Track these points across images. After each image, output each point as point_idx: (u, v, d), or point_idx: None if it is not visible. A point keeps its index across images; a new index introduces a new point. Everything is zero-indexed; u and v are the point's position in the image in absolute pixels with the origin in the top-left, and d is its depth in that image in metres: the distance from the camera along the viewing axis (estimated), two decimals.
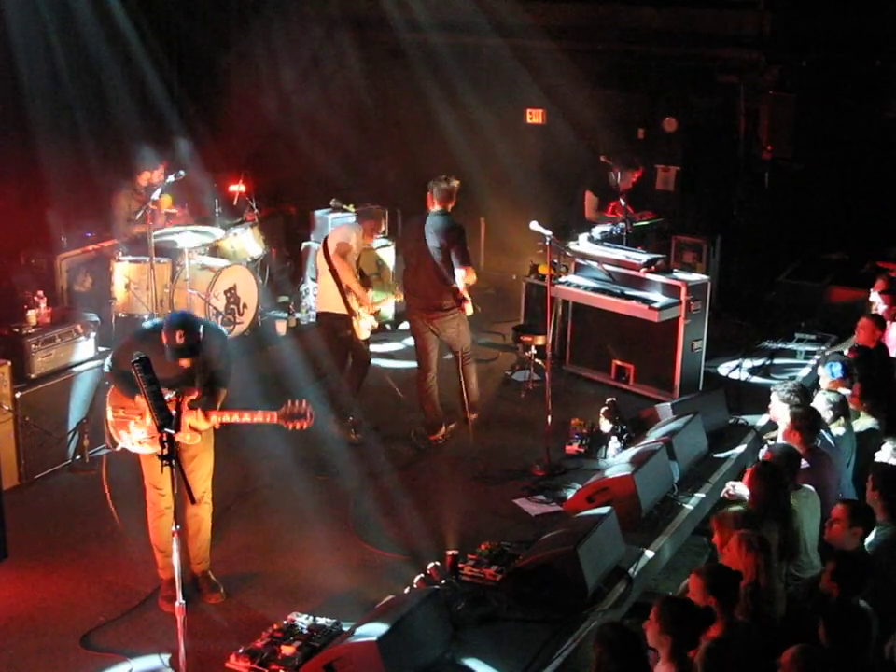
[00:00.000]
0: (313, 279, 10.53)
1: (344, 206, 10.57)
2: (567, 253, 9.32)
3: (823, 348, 9.67)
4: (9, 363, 7.38)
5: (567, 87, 11.54)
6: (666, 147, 11.77)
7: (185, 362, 5.77)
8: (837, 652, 4.74)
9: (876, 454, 6.95)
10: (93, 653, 5.74)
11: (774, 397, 7.26)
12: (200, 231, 9.78)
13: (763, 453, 6.82)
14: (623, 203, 9.89)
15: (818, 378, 7.95)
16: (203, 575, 6.29)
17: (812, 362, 9.49)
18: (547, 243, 7.97)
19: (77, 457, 7.79)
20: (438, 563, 6.08)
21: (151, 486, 6.12)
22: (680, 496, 7.14)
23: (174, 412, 5.23)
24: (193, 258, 9.35)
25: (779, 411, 7.05)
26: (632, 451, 7.27)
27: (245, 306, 9.54)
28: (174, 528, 4.93)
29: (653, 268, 8.99)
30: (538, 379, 9.08)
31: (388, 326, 10.42)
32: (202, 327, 5.84)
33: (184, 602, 4.92)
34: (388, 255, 10.73)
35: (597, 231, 9.70)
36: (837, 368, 7.57)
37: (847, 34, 10.74)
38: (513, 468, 7.79)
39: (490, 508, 7.32)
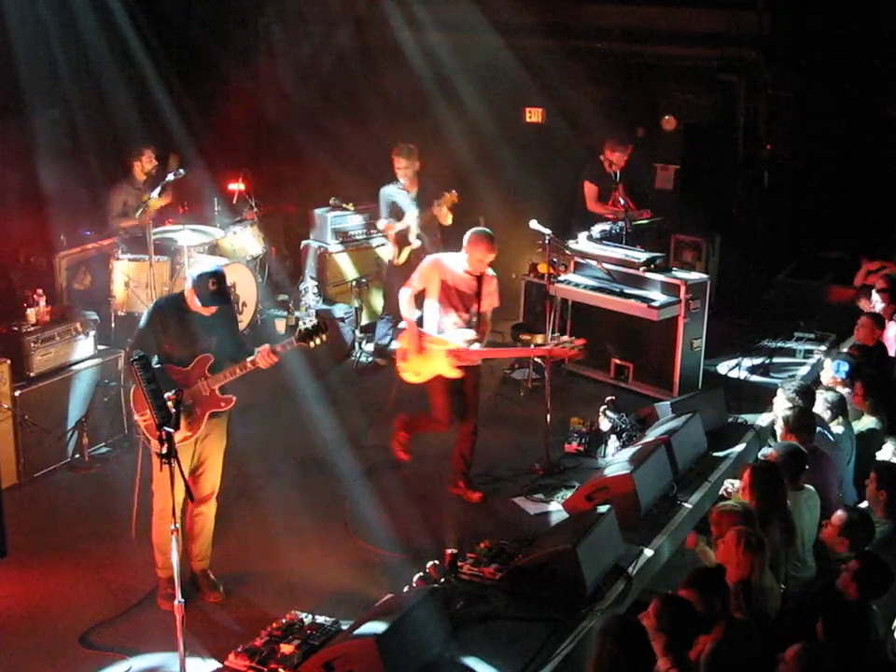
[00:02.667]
0: (312, 277, 10.54)
1: (343, 205, 10.57)
2: (567, 251, 9.32)
3: (823, 347, 9.69)
4: (9, 361, 7.37)
5: (566, 86, 11.54)
6: (666, 146, 11.76)
7: (213, 309, 6.02)
8: (837, 652, 4.75)
9: (878, 453, 6.96)
10: (92, 652, 5.74)
11: (780, 393, 7.26)
12: (199, 229, 9.79)
13: (766, 452, 6.82)
14: (622, 200, 9.87)
15: (818, 374, 7.95)
16: (203, 573, 6.29)
17: (812, 360, 9.51)
18: (546, 241, 7.98)
19: (77, 456, 7.79)
20: (437, 561, 6.08)
21: (165, 491, 6.00)
22: (680, 494, 7.14)
23: (172, 410, 5.23)
24: (192, 256, 9.36)
25: (780, 409, 7.06)
26: (631, 449, 7.27)
27: (244, 304, 9.55)
28: (172, 527, 4.92)
29: (652, 267, 8.99)
30: (537, 377, 9.08)
31: None
32: None
33: (183, 601, 4.92)
34: (388, 253, 10.74)
35: (597, 230, 9.70)
36: (845, 368, 7.58)
37: (846, 32, 10.74)
38: (512, 466, 7.79)
39: (489, 506, 7.33)
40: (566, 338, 7.33)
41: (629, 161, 10.15)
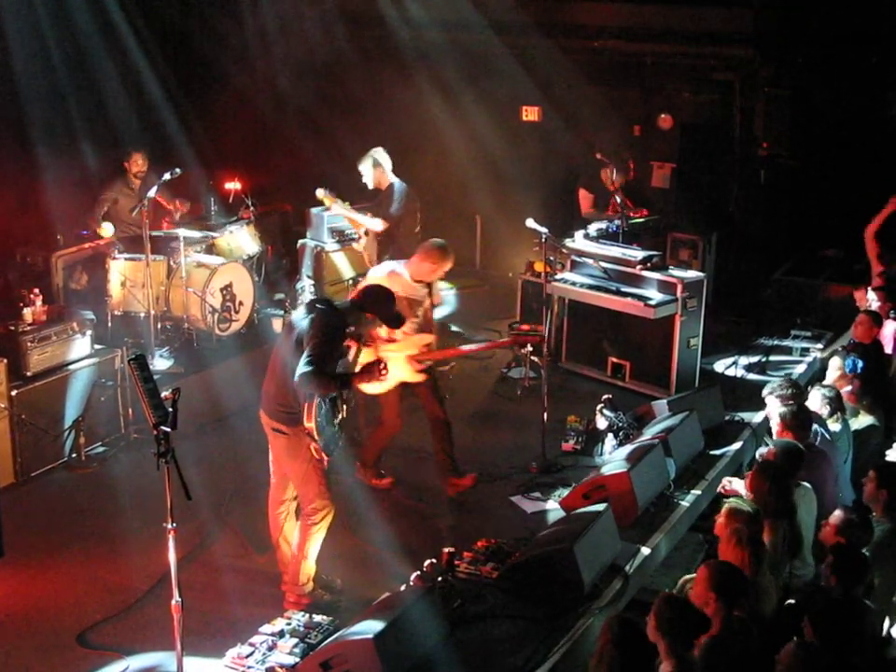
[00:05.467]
0: (308, 276, 10.54)
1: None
2: (563, 250, 9.33)
3: (819, 345, 9.71)
4: (5, 361, 7.37)
5: (563, 84, 11.54)
6: (662, 144, 11.78)
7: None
8: (829, 648, 4.75)
9: (888, 452, 6.96)
10: (90, 651, 5.74)
11: (767, 395, 7.27)
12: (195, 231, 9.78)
13: (763, 451, 6.82)
14: (618, 199, 9.89)
15: (817, 371, 7.93)
16: None
17: (808, 359, 9.52)
18: (543, 240, 7.98)
19: (73, 455, 7.79)
20: (434, 560, 6.08)
21: (319, 499, 6.06)
22: (676, 492, 7.14)
23: (169, 409, 5.20)
24: (189, 255, 9.35)
25: (773, 409, 7.05)
26: (628, 448, 7.27)
27: (241, 304, 9.55)
28: (170, 526, 4.90)
29: (649, 265, 8.99)
30: (534, 376, 9.08)
31: None
32: None
33: (180, 600, 4.91)
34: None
35: (593, 229, 9.71)
36: (860, 364, 7.57)
37: (843, 30, 10.75)
38: (509, 465, 7.79)
39: (486, 505, 7.33)
40: (525, 326, 7.43)
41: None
